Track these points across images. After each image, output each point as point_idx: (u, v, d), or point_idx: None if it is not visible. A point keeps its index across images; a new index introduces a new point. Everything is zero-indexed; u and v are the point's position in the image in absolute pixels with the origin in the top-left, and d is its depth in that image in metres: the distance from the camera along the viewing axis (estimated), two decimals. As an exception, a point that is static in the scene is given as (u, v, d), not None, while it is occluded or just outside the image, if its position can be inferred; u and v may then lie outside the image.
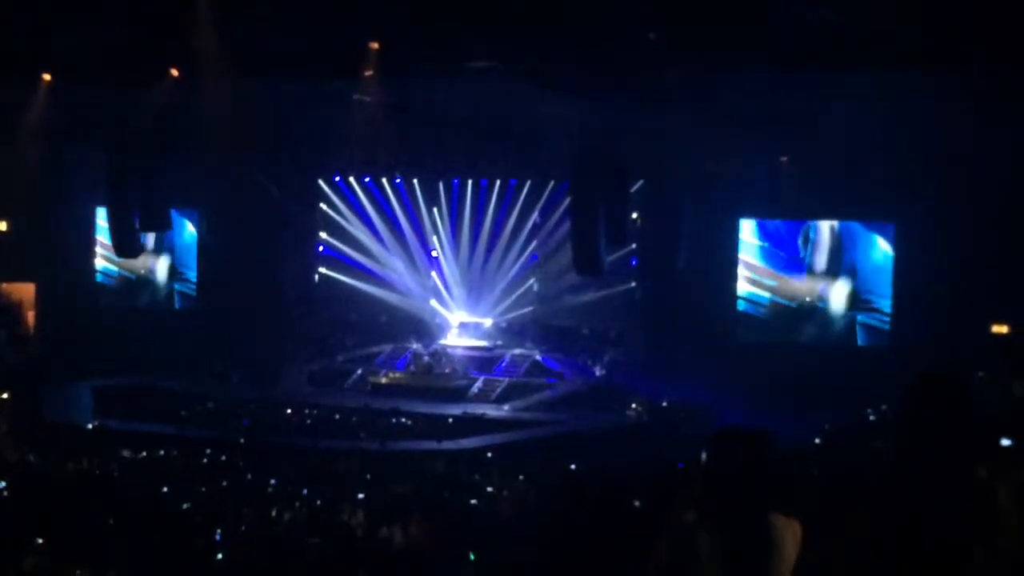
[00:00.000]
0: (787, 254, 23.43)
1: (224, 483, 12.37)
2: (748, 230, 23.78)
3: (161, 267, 28.13)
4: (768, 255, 23.61)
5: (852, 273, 22.83)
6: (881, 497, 3.37)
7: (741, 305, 23.75)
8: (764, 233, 23.72)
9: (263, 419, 19.52)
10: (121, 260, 26.99)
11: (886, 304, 22.35)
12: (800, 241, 23.28)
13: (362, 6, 15.59)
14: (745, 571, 3.37)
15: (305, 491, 11.90)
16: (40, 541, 8.43)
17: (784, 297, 23.35)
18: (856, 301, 22.67)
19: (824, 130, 18.78)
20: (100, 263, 28.42)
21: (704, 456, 3.45)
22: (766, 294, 23.59)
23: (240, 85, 19.82)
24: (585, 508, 6.09)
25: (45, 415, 19.33)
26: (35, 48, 18.73)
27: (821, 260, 23.12)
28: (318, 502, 11.28)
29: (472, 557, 7.86)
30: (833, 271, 22.99)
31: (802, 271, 23.29)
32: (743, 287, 23.75)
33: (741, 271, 23.74)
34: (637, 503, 7.55)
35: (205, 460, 14.98)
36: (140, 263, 27.35)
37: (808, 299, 23.12)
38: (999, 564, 3.25)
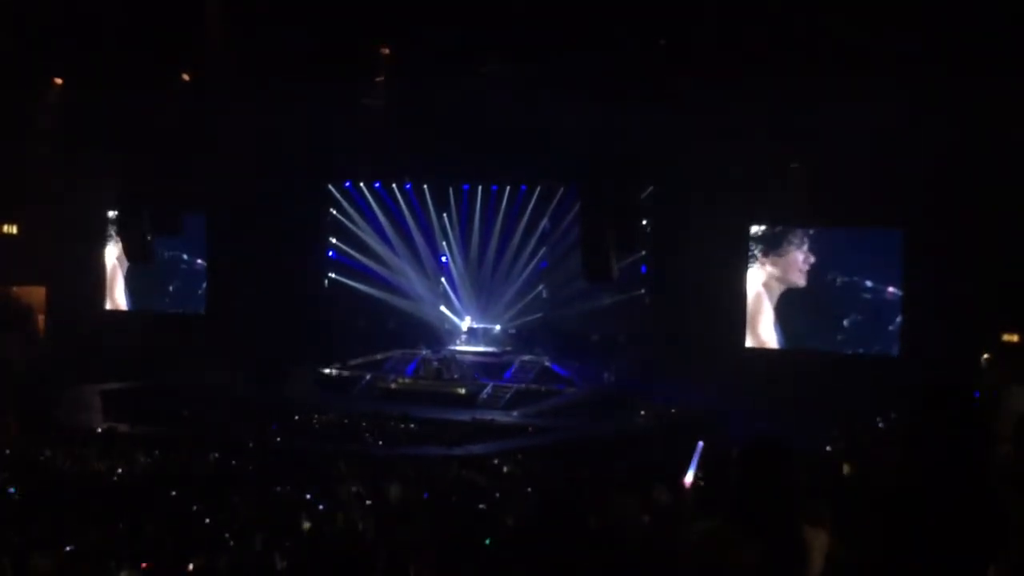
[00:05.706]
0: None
1: (232, 487, 12.37)
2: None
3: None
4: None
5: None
6: (892, 505, 3.35)
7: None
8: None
9: (284, 423, 19.51)
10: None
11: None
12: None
13: (373, 10, 15.62)
14: None
15: (313, 496, 11.88)
16: (51, 542, 8.45)
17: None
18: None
19: (834, 136, 18.74)
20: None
21: (736, 468, 3.40)
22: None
23: (251, 89, 19.90)
24: (592, 514, 6.07)
25: (54, 418, 19.36)
26: (47, 52, 18.82)
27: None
28: (320, 507, 11.26)
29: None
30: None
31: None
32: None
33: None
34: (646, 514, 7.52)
35: (214, 464, 14.98)
36: None
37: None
38: (1010, 570, 3.24)
